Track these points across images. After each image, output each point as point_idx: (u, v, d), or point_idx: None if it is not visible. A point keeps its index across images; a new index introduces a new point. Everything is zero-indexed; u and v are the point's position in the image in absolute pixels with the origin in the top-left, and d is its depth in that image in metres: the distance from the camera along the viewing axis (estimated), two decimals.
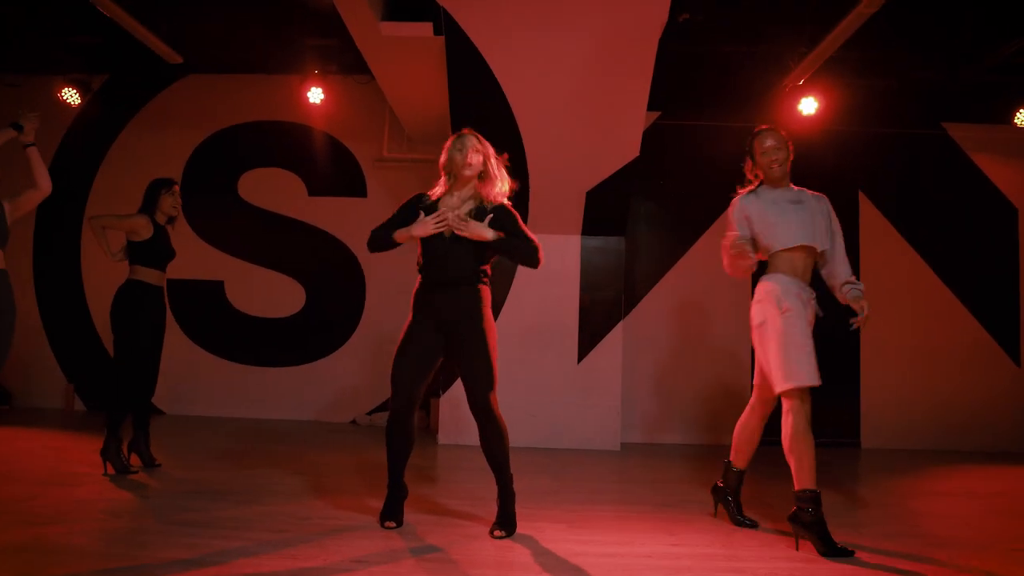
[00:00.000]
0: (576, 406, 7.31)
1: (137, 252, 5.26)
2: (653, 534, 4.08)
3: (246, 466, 5.68)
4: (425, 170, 4.16)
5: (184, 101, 9.01)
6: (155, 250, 5.28)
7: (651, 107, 6.84)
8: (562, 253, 7.44)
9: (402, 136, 8.63)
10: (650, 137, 7.29)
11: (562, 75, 6.26)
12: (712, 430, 7.94)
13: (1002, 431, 8.00)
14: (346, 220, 8.78)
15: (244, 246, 8.88)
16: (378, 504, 4.26)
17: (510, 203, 4.11)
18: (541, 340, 7.36)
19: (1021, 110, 7.76)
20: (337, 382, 8.72)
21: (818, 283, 4.17)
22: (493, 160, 4.09)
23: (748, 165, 4.29)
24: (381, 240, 4.08)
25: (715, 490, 4.42)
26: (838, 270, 4.20)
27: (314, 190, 8.92)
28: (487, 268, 4.08)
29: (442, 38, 6.15)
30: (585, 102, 6.44)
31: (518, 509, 4.06)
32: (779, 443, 3.90)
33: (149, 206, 5.36)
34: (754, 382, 4.25)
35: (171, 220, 5.49)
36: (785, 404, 3.90)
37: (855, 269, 7.97)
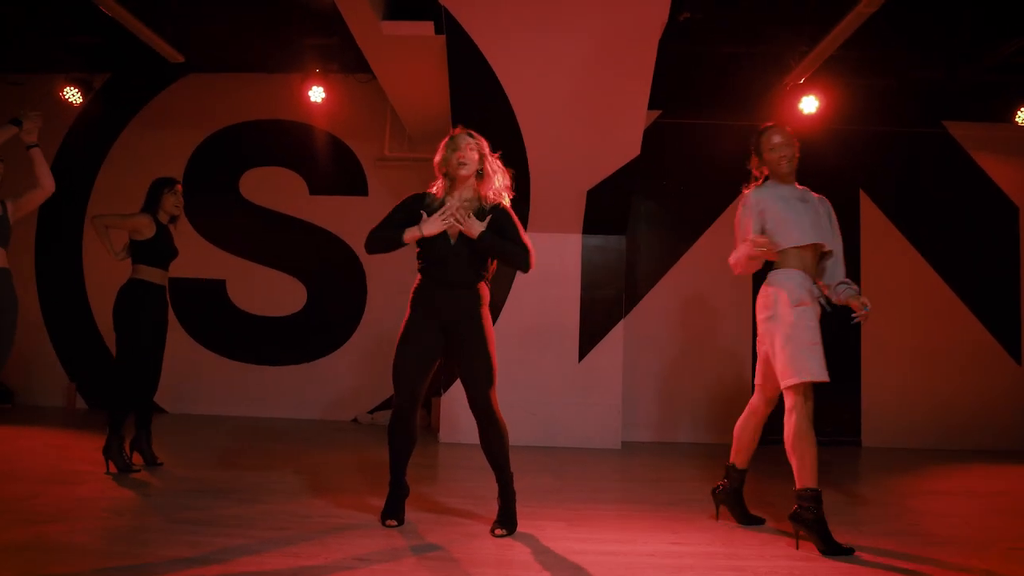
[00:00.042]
0: (577, 405, 7.32)
1: (140, 251, 5.27)
2: (654, 533, 4.09)
3: (248, 465, 5.69)
4: (426, 169, 4.16)
5: (186, 100, 9.02)
6: (158, 249, 5.29)
7: (652, 106, 6.85)
8: (563, 252, 7.45)
9: (403, 135, 8.64)
10: (651, 136, 7.30)
11: (563, 74, 6.27)
12: (713, 429, 7.94)
13: (1003, 430, 8.00)
14: (347, 219, 8.79)
15: (245, 245, 8.89)
16: (379, 502, 4.27)
17: (510, 204, 4.11)
18: (542, 339, 7.37)
19: (1022, 109, 7.75)
20: (338, 381, 8.73)
21: None
22: (489, 156, 4.08)
23: (754, 162, 4.27)
24: (384, 241, 4.02)
25: (715, 492, 4.41)
26: (835, 271, 4.20)
27: (315, 189, 8.93)
28: (489, 268, 4.09)
29: (443, 37, 6.16)
30: (586, 101, 6.44)
31: (519, 508, 4.07)
32: (779, 442, 3.91)
33: (152, 205, 5.36)
34: (756, 382, 4.25)
35: (173, 219, 5.50)
36: (788, 401, 3.90)
37: (856, 267, 8.04)
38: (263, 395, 8.71)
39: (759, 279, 4.22)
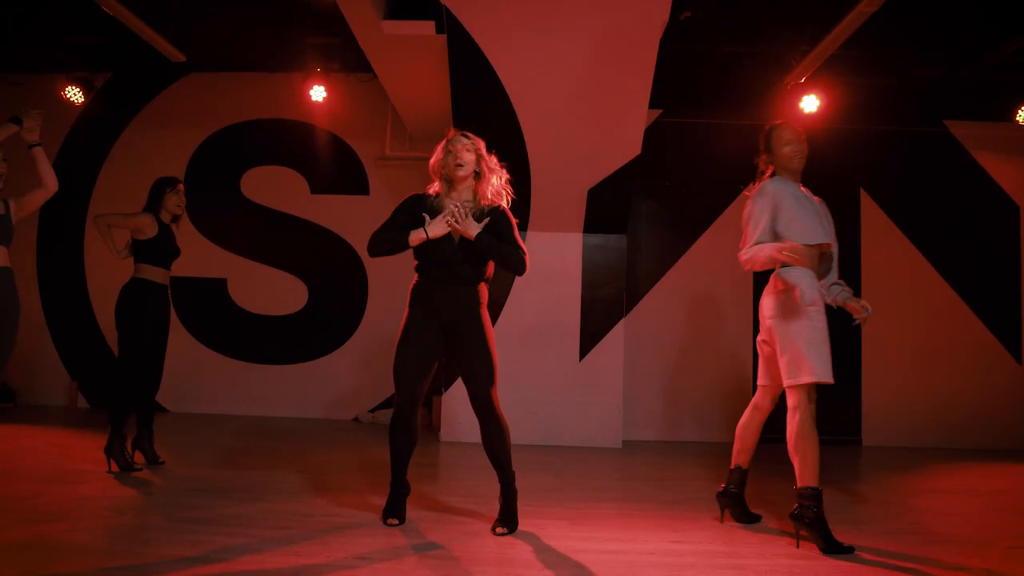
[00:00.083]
0: (578, 404, 7.32)
1: (142, 250, 5.28)
2: (655, 531, 4.09)
3: (249, 464, 5.70)
4: (427, 169, 4.17)
5: (187, 99, 9.03)
6: (160, 248, 5.30)
7: (652, 105, 6.85)
8: (563, 251, 7.46)
9: (404, 134, 8.64)
10: (651, 135, 7.30)
11: (564, 73, 6.27)
12: (714, 427, 7.95)
13: (1004, 429, 8.00)
14: (348, 218, 8.79)
15: (247, 244, 8.90)
16: (380, 501, 4.28)
17: (509, 205, 4.12)
18: (542, 338, 7.37)
19: (1023, 108, 7.75)
20: (339, 380, 8.74)
21: None
22: (486, 156, 4.08)
23: (763, 158, 4.24)
24: (388, 243, 4.00)
25: (720, 495, 4.38)
26: (831, 272, 4.20)
27: (316, 188, 8.93)
28: (490, 269, 4.09)
29: (444, 36, 6.16)
30: (587, 100, 6.45)
31: (520, 506, 4.08)
32: (779, 440, 3.91)
33: (154, 204, 5.37)
34: (758, 382, 4.25)
35: (176, 219, 5.51)
36: (792, 400, 3.89)
37: (857, 266, 8.05)
38: (264, 394, 8.72)
39: (759, 278, 4.20)
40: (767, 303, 4.06)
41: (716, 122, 8.27)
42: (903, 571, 3.42)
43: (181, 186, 5.49)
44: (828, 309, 4.05)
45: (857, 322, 4.04)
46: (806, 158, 4.18)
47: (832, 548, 3.66)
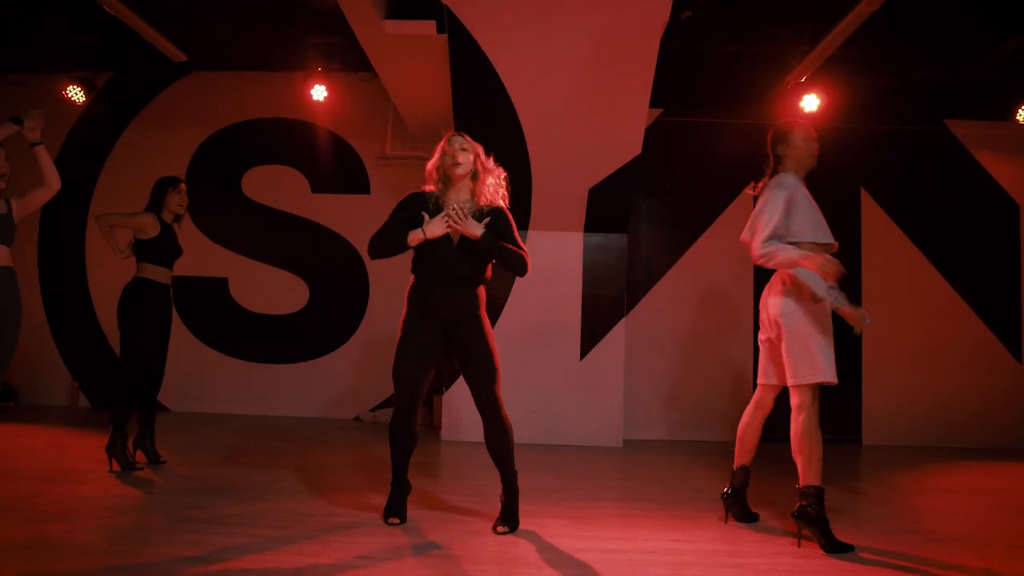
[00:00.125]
0: (578, 403, 7.33)
1: (144, 250, 5.28)
2: (656, 530, 4.10)
3: (250, 463, 5.70)
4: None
5: (188, 99, 9.03)
6: (162, 248, 5.31)
7: (653, 104, 6.84)
8: (564, 250, 7.46)
9: (405, 133, 8.64)
10: (652, 134, 7.30)
11: (564, 73, 6.27)
12: (715, 426, 7.95)
13: (1004, 428, 8.00)
14: (349, 217, 8.79)
15: (248, 243, 8.90)
16: (381, 501, 4.28)
17: (507, 206, 4.12)
18: (543, 337, 7.38)
19: (1022, 107, 7.75)
20: (340, 379, 8.74)
21: None
22: (483, 157, 4.09)
23: (777, 154, 4.19)
24: (388, 244, 4.00)
25: (725, 496, 4.36)
26: None
27: (317, 187, 8.93)
28: (488, 270, 4.09)
29: (445, 36, 6.16)
30: (587, 100, 6.45)
31: (521, 505, 4.08)
32: (780, 439, 3.91)
33: (156, 204, 5.38)
34: (758, 380, 4.24)
35: (178, 218, 5.51)
36: (796, 399, 3.89)
37: (857, 265, 8.05)
38: (265, 393, 8.73)
39: (760, 277, 4.18)
40: (774, 302, 4.02)
41: (716, 121, 8.27)
42: (903, 570, 3.42)
43: (183, 186, 5.49)
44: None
45: (856, 332, 4.02)
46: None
47: (833, 547, 3.67)
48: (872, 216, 8.32)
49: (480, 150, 4.09)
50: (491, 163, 4.13)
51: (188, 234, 5.62)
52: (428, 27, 6.22)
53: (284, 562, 3.26)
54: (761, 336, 4.20)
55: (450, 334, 4.00)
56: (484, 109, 6.55)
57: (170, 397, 8.24)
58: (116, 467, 5.05)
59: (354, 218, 8.74)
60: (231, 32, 7.75)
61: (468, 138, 4.09)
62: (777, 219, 3.88)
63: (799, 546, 3.78)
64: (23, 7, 7.14)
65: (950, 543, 3.94)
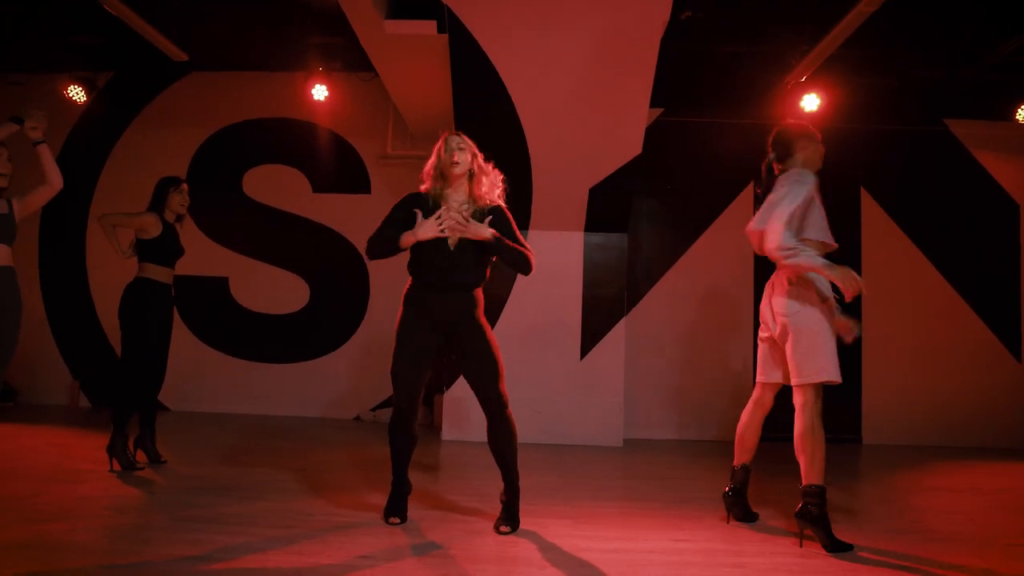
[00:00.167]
0: (579, 403, 7.33)
1: (146, 250, 5.28)
2: (657, 530, 4.10)
3: (250, 462, 5.70)
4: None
5: (189, 98, 9.03)
6: (164, 248, 5.31)
7: (653, 104, 6.84)
8: (565, 250, 7.46)
9: (406, 133, 8.65)
10: (652, 134, 7.30)
11: (565, 73, 6.28)
12: (715, 426, 7.95)
13: (1004, 428, 8.01)
14: (350, 217, 8.80)
15: (248, 243, 8.91)
16: (382, 501, 4.28)
17: (505, 205, 4.12)
18: (544, 337, 7.38)
19: (1022, 107, 7.75)
20: (341, 378, 8.75)
21: None
22: (480, 158, 4.08)
23: (799, 153, 4.18)
24: (384, 244, 3.99)
25: (726, 495, 4.34)
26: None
27: (318, 187, 8.94)
28: (486, 272, 4.09)
29: (446, 36, 6.17)
30: (588, 99, 6.45)
31: (522, 505, 4.08)
32: (780, 439, 3.91)
33: (158, 204, 5.38)
34: (758, 379, 4.24)
35: (180, 218, 5.51)
36: (799, 398, 3.88)
37: (857, 265, 8.04)
38: (266, 393, 8.73)
39: (759, 277, 4.16)
40: (779, 300, 3.98)
41: (717, 121, 8.28)
42: (904, 570, 3.43)
43: (185, 186, 5.49)
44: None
45: (846, 341, 4.01)
46: None
47: (835, 546, 3.67)
48: (872, 216, 8.32)
49: (477, 150, 4.09)
50: (489, 165, 4.12)
51: (188, 234, 5.62)
52: (429, 27, 6.23)
53: (285, 562, 3.26)
54: (762, 334, 4.20)
55: (447, 336, 3.99)
56: (485, 109, 6.55)
57: (170, 397, 8.23)
58: (117, 467, 5.05)
59: (355, 218, 8.74)
60: (232, 32, 7.75)
61: (466, 138, 4.09)
62: (796, 212, 3.84)
63: (801, 546, 3.78)
64: (23, 7, 7.14)
65: (950, 543, 3.94)
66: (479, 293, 4.06)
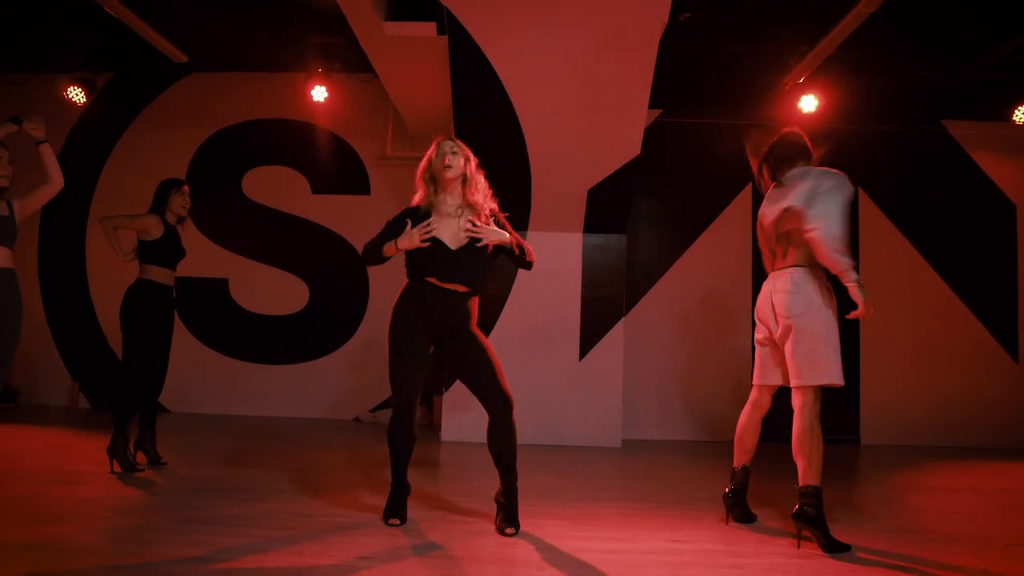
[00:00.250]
0: (578, 403, 7.34)
1: (148, 251, 5.30)
2: (655, 531, 4.11)
3: (250, 464, 5.71)
4: None
5: (188, 99, 9.05)
6: (165, 249, 5.32)
7: (652, 105, 6.86)
8: (564, 251, 7.47)
9: (405, 134, 8.66)
10: (651, 135, 7.31)
11: (564, 74, 6.29)
12: (714, 427, 7.97)
13: (1002, 428, 8.03)
14: (349, 218, 8.81)
15: (248, 244, 8.92)
16: (381, 501, 4.29)
17: (496, 207, 4.15)
18: (543, 338, 7.39)
19: (1020, 107, 7.76)
20: (340, 379, 8.75)
21: None
22: (474, 163, 4.10)
23: (813, 157, 4.26)
24: (370, 255, 4.10)
25: (726, 497, 4.34)
26: None
27: (318, 188, 8.95)
28: (487, 275, 4.11)
29: (445, 38, 6.18)
30: (587, 101, 6.46)
31: (521, 506, 4.07)
32: (779, 440, 3.91)
33: (159, 206, 5.40)
34: (755, 381, 4.25)
35: (181, 220, 5.53)
36: (799, 400, 3.89)
37: (856, 266, 8.04)
38: (265, 394, 8.74)
39: (758, 277, 4.16)
40: (781, 300, 3.97)
41: (716, 122, 8.28)
42: (902, 570, 3.43)
43: (186, 188, 5.51)
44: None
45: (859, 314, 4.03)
46: None
47: (832, 547, 3.68)
48: (870, 217, 8.34)
49: (471, 155, 4.10)
50: (481, 171, 4.14)
51: (188, 235, 5.63)
52: (428, 29, 6.24)
53: (285, 562, 3.27)
54: (759, 336, 4.20)
55: (442, 340, 4.02)
56: (484, 110, 6.56)
57: (170, 398, 8.23)
58: (117, 468, 5.06)
59: (354, 219, 8.75)
60: (231, 33, 7.78)
61: (459, 142, 4.10)
62: (846, 217, 3.94)
63: (799, 546, 3.79)
64: (23, 7, 7.15)
65: (948, 543, 3.95)
66: (475, 303, 4.08)
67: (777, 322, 4.01)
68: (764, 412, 4.26)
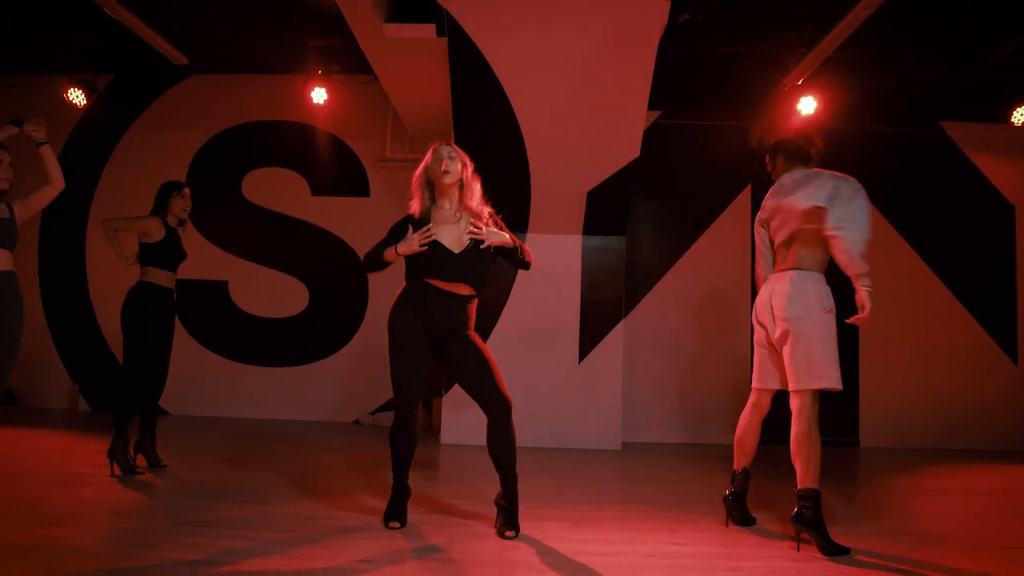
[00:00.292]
0: (577, 405, 7.35)
1: (149, 254, 5.31)
2: (655, 533, 4.11)
3: (250, 466, 5.71)
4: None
5: (188, 101, 9.05)
6: (167, 252, 5.34)
7: (652, 106, 6.87)
8: (563, 253, 7.48)
9: (404, 136, 8.67)
10: (650, 137, 7.32)
11: (563, 76, 6.29)
12: (713, 429, 7.97)
13: (1001, 430, 8.03)
14: (349, 220, 8.81)
15: (248, 246, 8.92)
16: (381, 504, 4.30)
17: (492, 209, 4.17)
18: (542, 340, 7.39)
19: (1018, 108, 7.77)
20: (340, 382, 8.76)
21: None
22: (471, 168, 4.11)
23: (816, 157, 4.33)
24: (371, 262, 4.12)
25: (726, 499, 4.35)
26: None
27: (317, 190, 8.95)
28: (487, 277, 4.12)
29: (445, 40, 6.18)
30: (586, 103, 6.47)
31: (521, 508, 4.08)
32: (779, 441, 3.92)
33: (160, 208, 5.41)
34: (753, 384, 4.26)
35: (182, 222, 5.54)
36: (797, 403, 3.90)
37: None
38: (265, 397, 8.74)
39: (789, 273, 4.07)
40: (780, 303, 3.99)
41: (715, 123, 8.29)
42: (899, 572, 3.44)
43: (187, 190, 5.52)
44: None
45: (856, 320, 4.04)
46: None
47: (831, 549, 3.68)
48: None
49: (467, 160, 4.12)
50: (476, 176, 4.17)
51: (188, 236, 5.64)
52: (428, 31, 6.24)
53: (285, 565, 3.28)
54: (758, 338, 4.21)
55: (441, 343, 4.04)
56: (483, 112, 6.57)
57: (170, 400, 8.23)
58: (117, 471, 5.06)
59: (354, 220, 8.76)
60: (231, 34, 7.78)
61: (456, 147, 4.12)
62: (870, 222, 3.89)
63: (798, 549, 3.80)
64: (23, 7, 7.14)
65: (946, 545, 3.96)
66: (474, 308, 4.09)
67: (775, 324, 4.01)
68: (764, 414, 4.27)
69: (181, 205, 5.46)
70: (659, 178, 8.23)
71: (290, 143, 8.97)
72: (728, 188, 8.33)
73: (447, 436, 7.30)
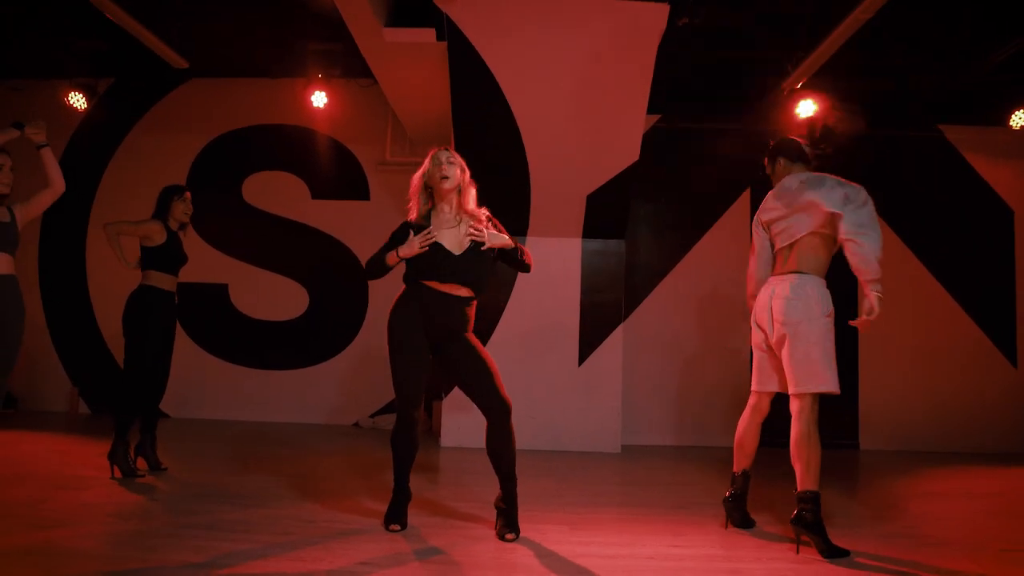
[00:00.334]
0: (577, 408, 7.35)
1: (150, 257, 5.32)
2: (655, 536, 4.12)
3: (251, 469, 5.72)
4: None
5: (189, 105, 9.07)
6: (168, 255, 5.35)
7: (651, 110, 6.88)
8: (563, 256, 7.49)
9: (404, 139, 8.69)
10: (650, 141, 7.33)
11: (563, 80, 6.31)
12: (713, 432, 7.98)
13: (1000, 433, 8.03)
14: (349, 223, 8.83)
15: (248, 249, 8.93)
16: (382, 507, 4.31)
17: (489, 212, 4.18)
18: (542, 342, 7.40)
19: (1017, 112, 7.78)
20: (340, 385, 8.76)
21: None
22: (467, 174, 4.14)
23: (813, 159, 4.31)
24: (374, 267, 4.12)
25: (726, 501, 4.36)
26: None
27: (317, 193, 8.97)
28: (488, 279, 4.13)
29: (445, 44, 6.20)
30: (585, 107, 6.48)
31: (520, 511, 4.09)
32: (779, 444, 3.93)
33: (162, 212, 5.42)
34: (753, 387, 4.27)
35: (183, 226, 5.55)
36: (796, 406, 3.91)
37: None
38: (265, 400, 8.75)
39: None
40: (779, 307, 3.99)
41: (714, 127, 8.30)
42: (898, 575, 3.45)
43: (188, 194, 5.54)
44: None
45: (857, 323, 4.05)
46: None
47: (831, 552, 3.69)
48: None
49: (465, 165, 4.14)
50: (472, 181, 4.19)
51: (188, 240, 5.65)
52: (428, 35, 6.26)
53: (286, 568, 3.28)
54: (756, 340, 4.22)
55: (440, 345, 4.05)
56: (483, 116, 6.58)
57: (170, 403, 8.23)
58: (118, 474, 5.07)
59: (354, 224, 8.77)
60: (232, 38, 7.80)
61: (454, 153, 4.14)
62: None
63: (798, 552, 3.80)
64: (23, 7, 7.15)
65: (945, 547, 3.96)
66: (473, 310, 4.11)
67: (774, 327, 4.02)
68: (763, 417, 4.28)
69: (182, 209, 5.47)
70: (658, 182, 8.25)
71: (290, 147, 8.98)
72: (727, 192, 8.35)
73: (447, 439, 7.31)
